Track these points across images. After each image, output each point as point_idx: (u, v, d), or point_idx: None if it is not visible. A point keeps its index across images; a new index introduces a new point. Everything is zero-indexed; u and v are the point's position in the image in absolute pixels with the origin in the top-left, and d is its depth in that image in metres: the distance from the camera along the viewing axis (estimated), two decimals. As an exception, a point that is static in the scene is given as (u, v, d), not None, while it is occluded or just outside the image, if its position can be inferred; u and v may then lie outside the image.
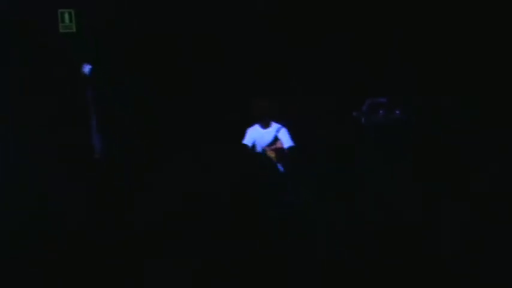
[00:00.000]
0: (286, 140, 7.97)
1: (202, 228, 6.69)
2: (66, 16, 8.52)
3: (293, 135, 8.00)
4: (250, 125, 8.03)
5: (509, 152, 7.83)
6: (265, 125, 7.98)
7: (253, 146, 8.03)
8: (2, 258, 6.28)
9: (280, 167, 7.92)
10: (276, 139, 7.95)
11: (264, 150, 7.96)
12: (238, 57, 8.96)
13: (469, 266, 5.88)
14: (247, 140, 8.02)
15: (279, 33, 8.97)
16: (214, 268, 6.06)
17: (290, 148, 7.96)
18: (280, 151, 7.93)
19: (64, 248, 6.40)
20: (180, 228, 6.68)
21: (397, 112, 8.24)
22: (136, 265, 6.11)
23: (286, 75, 8.98)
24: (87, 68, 8.46)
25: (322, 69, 8.93)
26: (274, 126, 7.99)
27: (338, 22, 8.90)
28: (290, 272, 5.96)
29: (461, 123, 8.39)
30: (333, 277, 5.88)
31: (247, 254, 6.21)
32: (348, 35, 8.90)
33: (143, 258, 6.18)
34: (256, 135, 8.02)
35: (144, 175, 8.05)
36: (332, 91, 8.80)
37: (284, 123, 8.01)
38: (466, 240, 6.21)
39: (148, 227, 6.82)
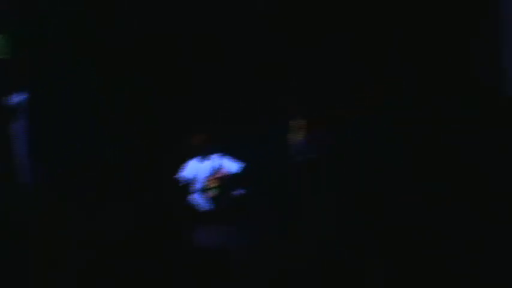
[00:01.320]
0: (230, 167, 7.99)
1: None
2: None
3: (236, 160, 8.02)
4: (191, 157, 8.01)
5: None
6: (207, 155, 7.99)
7: (193, 180, 7.96)
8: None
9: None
10: (217, 169, 7.95)
11: (206, 181, 7.92)
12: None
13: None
14: (190, 172, 7.98)
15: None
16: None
17: (235, 173, 7.99)
18: (224, 178, 7.93)
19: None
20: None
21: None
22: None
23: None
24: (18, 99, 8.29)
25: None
26: (216, 155, 8.00)
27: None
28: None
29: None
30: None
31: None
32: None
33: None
34: (198, 166, 7.99)
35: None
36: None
37: (224, 152, 8.01)
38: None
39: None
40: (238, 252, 6.82)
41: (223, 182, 7.87)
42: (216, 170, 7.91)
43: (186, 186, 7.89)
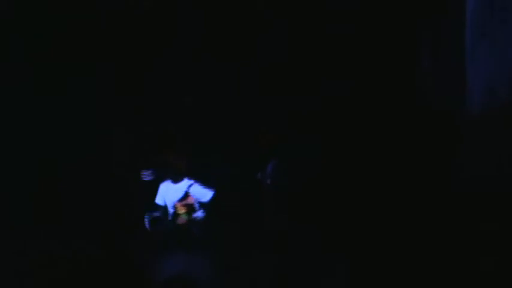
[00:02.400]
0: (200, 194, 8.02)
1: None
2: None
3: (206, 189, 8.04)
4: (163, 180, 8.09)
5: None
6: (176, 180, 8.03)
7: (165, 204, 8.05)
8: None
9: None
10: (187, 194, 7.99)
11: (174, 207, 7.98)
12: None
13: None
14: (160, 198, 8.06)
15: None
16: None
17: (204, 203, 8.01)
18: (191, 206, 7.97)
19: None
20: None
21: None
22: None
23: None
24: None
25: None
26: (186, 181, 8.04)
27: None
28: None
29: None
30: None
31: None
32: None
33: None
34: (168, 191, 8.05)
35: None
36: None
37: (196, 178, 8.03)
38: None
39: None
40: (201, 280, 7.05)
41: (191, 209, 7.93)
42: (185, 196, 7.98)
43: (155, 209, 7.97)
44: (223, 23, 9.12)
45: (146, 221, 7.85)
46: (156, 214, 7.89)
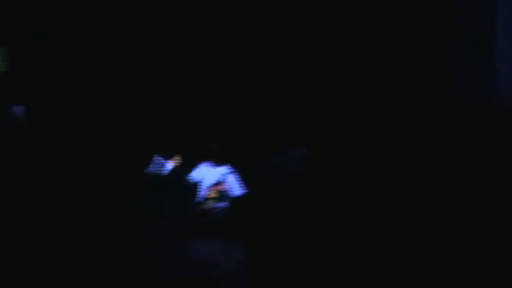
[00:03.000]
0: (233, 186, 8.18)
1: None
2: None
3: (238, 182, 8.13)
4: (203, 161, 8.23)
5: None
6: (216, 164, 8.22)
7: (199, 182, 8.20)
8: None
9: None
10: (222, 181, 8.18)
11: (208, 189, 8.14)
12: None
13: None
14: (196, 174, 8.22)
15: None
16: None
17: (236, 196, 8.13)
18: (221, 193, 8.12)
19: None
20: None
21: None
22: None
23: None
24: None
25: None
26: (224, 168, 8.23)
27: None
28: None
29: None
30: None
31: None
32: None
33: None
34: (206, 173, 8.24)
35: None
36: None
37: (233, 167, 8.20)
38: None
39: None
40: (228, 266, 7.02)
41: (221, 196, 8.07)
42: (219, 182, 8.14)
43: (192, 188, 8.09)
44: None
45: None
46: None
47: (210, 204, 8.07)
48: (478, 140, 8.23)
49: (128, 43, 9.24)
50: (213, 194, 8.10)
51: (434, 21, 8.91)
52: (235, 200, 8.07)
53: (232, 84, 9.29)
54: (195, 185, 8.13)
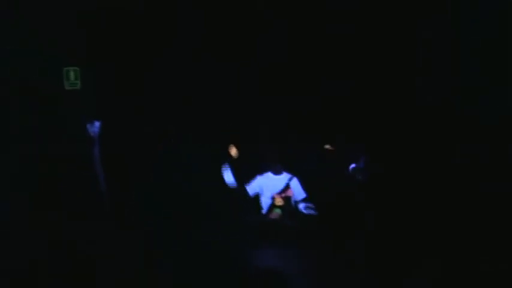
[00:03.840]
0: (297, 191, 8.12)
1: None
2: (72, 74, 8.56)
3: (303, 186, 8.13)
4: (260, 172, 8.17)
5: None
6: (277, 172, 8.13)
7: (258, 194, 8.14)
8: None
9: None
10: (287, 187, 8.09)
11: (273, 198, 8.05)
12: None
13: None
14: (252, 187, 8.12)
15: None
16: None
17: (302, 199, 8.10)
18: (288, 199, 8.06)
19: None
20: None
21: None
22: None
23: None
24: (94, 127, 8.41)
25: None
26: (286, 174, 8.15)
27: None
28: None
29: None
30: None
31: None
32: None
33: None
34: (267, 182, 8.14)
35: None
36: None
37: (294, 172, 8.16)
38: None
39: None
40: (299, 276, 6.81)
41: (288, 203, 8.00)
42: (285, 188, 8.06)
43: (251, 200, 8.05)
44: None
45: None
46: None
47: (278, 212, 8.00)
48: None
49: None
50: (281, 202, 8.01)
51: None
52: (303, 205, 8.03)
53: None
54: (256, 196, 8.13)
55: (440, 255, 7.00)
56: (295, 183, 8.13)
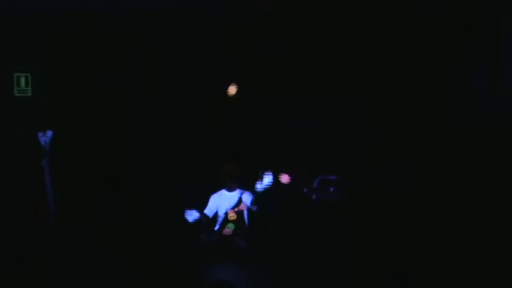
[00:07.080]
0: (249, 201, 8.04)
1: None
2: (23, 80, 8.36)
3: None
4: (215, 190, 8.14)
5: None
6: (232, 189, 8.11)
7: (215, 213, 8.10)
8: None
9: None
10: (240, 201, 8.06)
11: (226, 213, 8.01)
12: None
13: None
14: (209, 209, 8.11)
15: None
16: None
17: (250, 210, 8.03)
18: (241, 213, 8.01)
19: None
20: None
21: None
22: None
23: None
24: (46, 136, 8.15)
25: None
26: (238, 190, 8.13)
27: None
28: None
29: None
30: None
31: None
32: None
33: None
34: (221, 200, 8.12)
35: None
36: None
37: (247, 186, 8.07)
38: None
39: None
40: None
41: (240, 218, 7.95)
42: (238, 203, 8.03)
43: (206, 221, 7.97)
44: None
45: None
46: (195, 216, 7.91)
47: (231, 227, 7.98)
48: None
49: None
50: (232, 217, 8.00)
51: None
52: (255, 219, 8.00)
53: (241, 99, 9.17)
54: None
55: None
56: (246, 196, 8.10)
